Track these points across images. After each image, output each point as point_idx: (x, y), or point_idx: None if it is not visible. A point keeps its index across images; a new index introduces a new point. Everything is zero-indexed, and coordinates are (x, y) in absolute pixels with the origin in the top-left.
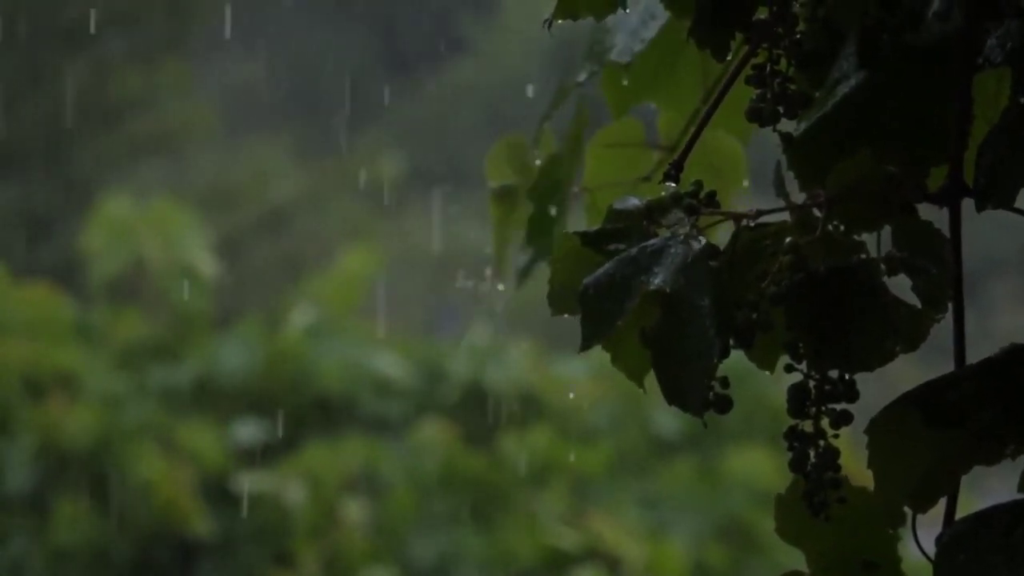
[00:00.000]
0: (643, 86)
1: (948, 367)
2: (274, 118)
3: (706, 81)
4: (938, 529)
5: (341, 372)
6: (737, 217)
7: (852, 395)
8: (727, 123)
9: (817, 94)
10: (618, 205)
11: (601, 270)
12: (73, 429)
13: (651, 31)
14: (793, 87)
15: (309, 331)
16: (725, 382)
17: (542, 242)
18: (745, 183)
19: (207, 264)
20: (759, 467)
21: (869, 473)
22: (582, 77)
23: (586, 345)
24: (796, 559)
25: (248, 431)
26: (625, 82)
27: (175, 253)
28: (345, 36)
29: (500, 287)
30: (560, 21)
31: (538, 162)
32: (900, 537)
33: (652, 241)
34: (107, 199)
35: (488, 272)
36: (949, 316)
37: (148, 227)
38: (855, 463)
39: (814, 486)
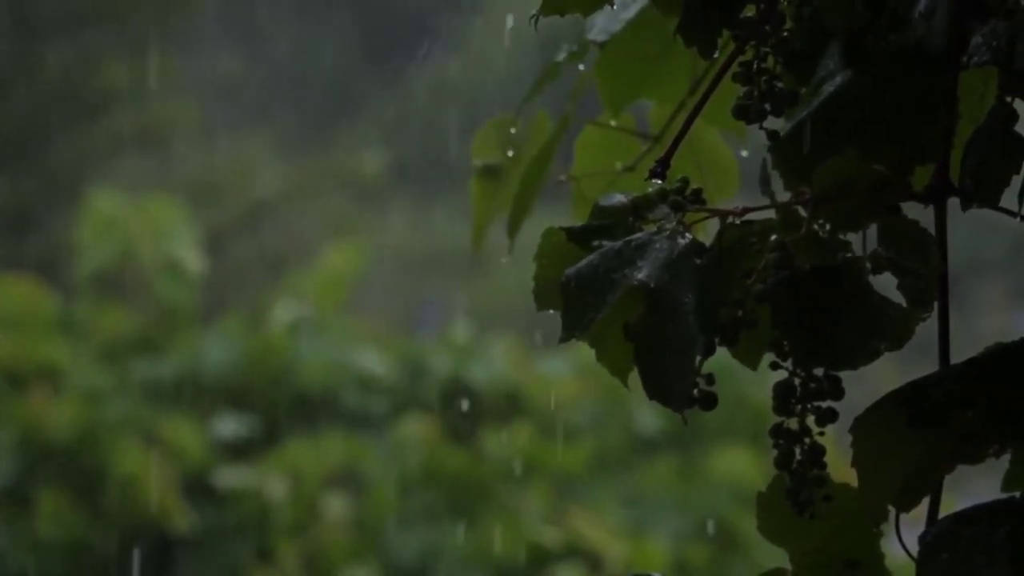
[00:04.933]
0: (637, 80)
1: (930, 369)
2: (258, 113)
3: (696, 69)
4: (920, 528)
5: (323, 368)
6: (723, 214)
7: (837, 393)
8: (716, 119)
9: (802, 92)
10: (604, 201)
11: (584, 262)
12: (55, 423)
13: (630, 12)
14: (780, 85)
15: (292, 327)
16: (710, 379)
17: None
18: (735, 180)
19: (194, 260)
20: (741, 466)
21: (852, 472)
22: (561, 56)
23: (566, 336)
24: (777, 559)
25: (230, 426)
26: (612, 66)
27: (163, 248)
28: (329, 31)
29: (478, 261)
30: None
31: (514, 131)
32: (883, 535)
33: (637, 235)
34: (97, 193)
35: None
36: (933, 316)
37: (138, 222)
38: (838, 462)
39: (799, 483)
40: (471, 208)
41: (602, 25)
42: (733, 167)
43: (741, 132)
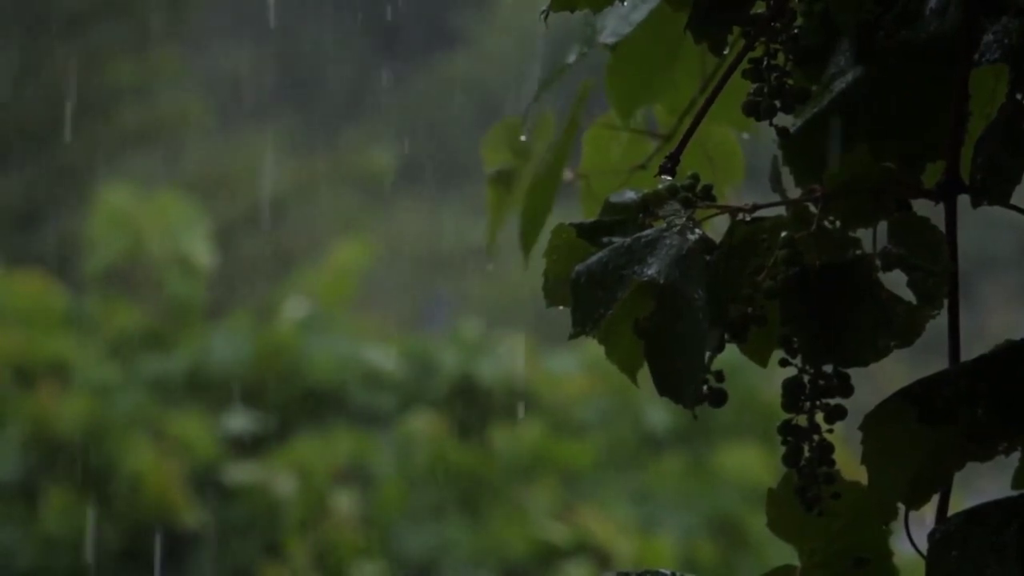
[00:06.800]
0: (646, 86)
1: (939, 366)
2: (267, 109)
3: (704, 72)
4: (929, 525)
5: (332, 364)
6: (733, 211)
7: (846, 390)
8: (726, 116)
9: (813, 89)
10: (614, 198)
11: (594, 258)
12: (64, 418)
13: (641, 14)
14: (790, 82)
15: (300, 323)
16: (720, 376)
17: (533, 229)
18: (741, 176)
19: (204, 255)
20: (749, 463)
21: (861, 469)
22: (571, 58)
23: (576, 332)
24: (786, 556)
25: (239, 422)
26: (622, 72)
27: (172, 244)
28: (339, 27)
29: (490, 267)
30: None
31: (523, 138)
32: (892, 532)
33: (647, 232)
34: (107, 188)
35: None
36: (941, 313)
37: (148, 217)
38: (847, 459)
39: (808, 480)
40: (487, 212)
41: (612, 28)
42: (739, 153)
43: (752, 128)
